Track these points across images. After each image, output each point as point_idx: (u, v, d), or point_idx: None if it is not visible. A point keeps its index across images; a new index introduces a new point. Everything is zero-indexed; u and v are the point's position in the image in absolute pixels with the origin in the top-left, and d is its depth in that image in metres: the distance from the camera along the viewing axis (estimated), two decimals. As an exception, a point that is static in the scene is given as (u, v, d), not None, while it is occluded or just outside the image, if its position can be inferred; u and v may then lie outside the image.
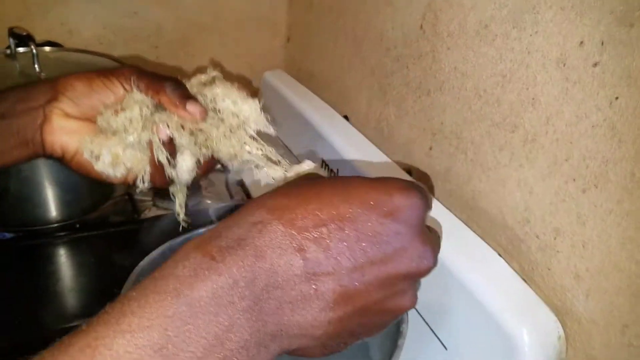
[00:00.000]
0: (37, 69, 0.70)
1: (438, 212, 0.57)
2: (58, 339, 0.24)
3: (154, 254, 0.49)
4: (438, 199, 0.60)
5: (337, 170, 0.72)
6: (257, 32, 1.05)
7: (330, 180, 0.32)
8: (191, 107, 0.43)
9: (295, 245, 0.28)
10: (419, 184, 0.33)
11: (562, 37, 0.43)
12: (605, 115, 0.40)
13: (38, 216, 0.70)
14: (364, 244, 0.29)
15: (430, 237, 0.32)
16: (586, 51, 0.41)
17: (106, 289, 0.65)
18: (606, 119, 0.40)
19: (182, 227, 0.50)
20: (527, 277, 0.49)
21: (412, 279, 0.32)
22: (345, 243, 0.29)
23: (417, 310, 0.54)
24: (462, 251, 0.51)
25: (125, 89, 0.45)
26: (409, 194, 0.31)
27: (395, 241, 0.30)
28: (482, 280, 0.48)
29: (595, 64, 0.41)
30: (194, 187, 0.55)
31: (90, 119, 0.45)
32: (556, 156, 0.45)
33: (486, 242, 0.52)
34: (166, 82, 0.44)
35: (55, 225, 0.72)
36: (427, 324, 0.53)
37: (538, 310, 0.46)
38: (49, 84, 0.44)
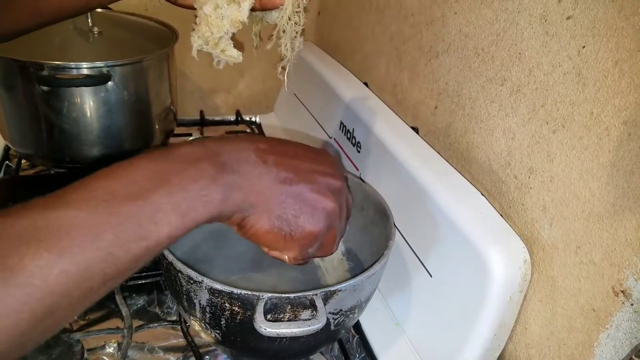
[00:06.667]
0: (90, 24, 0.79)
1: (437, 163, 0.63)
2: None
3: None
4: (439, 153, 0.66)
5: (353, 129, 0.78)
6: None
7: (301, 150, 0.43)
8: None
9: (273, 178, 0.38)
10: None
11: (545, -4, 0.49)
12: (574, 63, 0.45)
13: (83, 154, 0.79)
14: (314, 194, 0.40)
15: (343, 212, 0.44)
16: (563, 7, 0.46)
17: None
18: (574, 66, 0.45)
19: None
20: (505, 213, 0.54)
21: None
22: (295, 194, 0.39)
23: (408, 243, 0.61)
24: (452, 194, 0.57)
25: None
26: (342, 180, 0.43)
27: (323, 205, 0.41)
28: (466, 216, 0.54)
29: (568, 17, 0.46)
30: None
31: None
32: (534, 103, 0.50)
33: (474, 186, 0.58)
34: None
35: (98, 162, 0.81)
36: (415, 255, 0.59)
37: (510, 240, 0.51)
38: None
